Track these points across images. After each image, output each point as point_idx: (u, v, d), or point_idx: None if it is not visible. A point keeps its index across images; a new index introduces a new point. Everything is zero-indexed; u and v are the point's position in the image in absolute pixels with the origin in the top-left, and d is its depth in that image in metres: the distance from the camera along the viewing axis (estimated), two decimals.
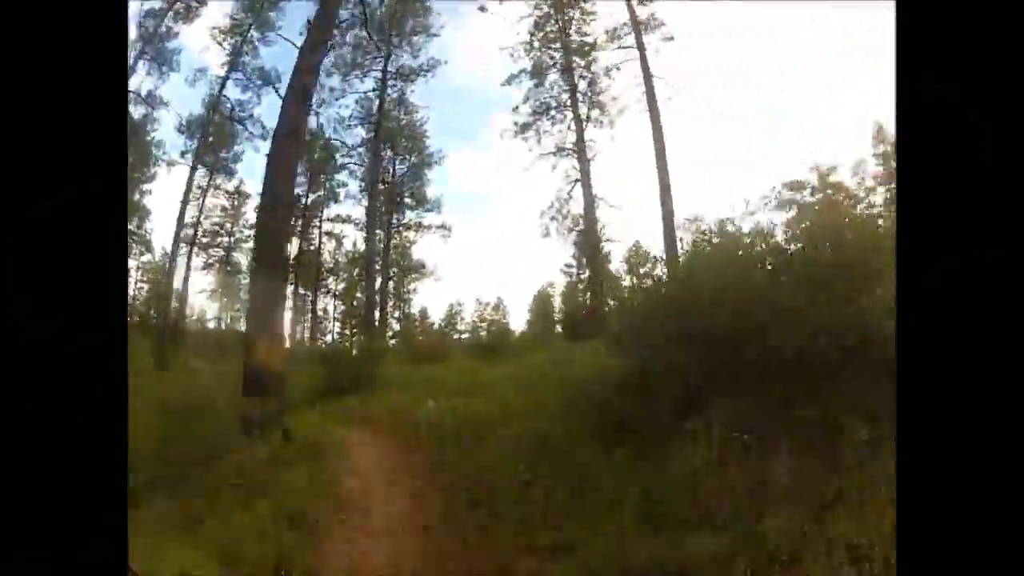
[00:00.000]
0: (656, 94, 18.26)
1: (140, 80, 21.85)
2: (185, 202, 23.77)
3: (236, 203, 27.80)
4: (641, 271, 20.19)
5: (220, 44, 23.17)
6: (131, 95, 21.35)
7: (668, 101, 18.30)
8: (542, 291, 32.38)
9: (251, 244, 25.84)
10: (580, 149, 21.65)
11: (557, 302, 32.27)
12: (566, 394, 6.73)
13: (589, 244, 21.32)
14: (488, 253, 46.00)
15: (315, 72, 9.02)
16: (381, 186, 24.91)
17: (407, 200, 26.27)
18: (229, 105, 24.02)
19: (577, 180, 21.75)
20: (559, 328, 29.61)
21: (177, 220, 23.85)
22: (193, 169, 23.91)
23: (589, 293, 29.43)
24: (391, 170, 25.88)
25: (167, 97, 22.70)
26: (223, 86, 23.47)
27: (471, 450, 6.16)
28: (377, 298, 23.88)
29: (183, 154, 23.76)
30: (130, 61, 20.62)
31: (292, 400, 9.43)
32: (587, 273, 29.58)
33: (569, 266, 30.05)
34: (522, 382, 9.11)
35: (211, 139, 24.12)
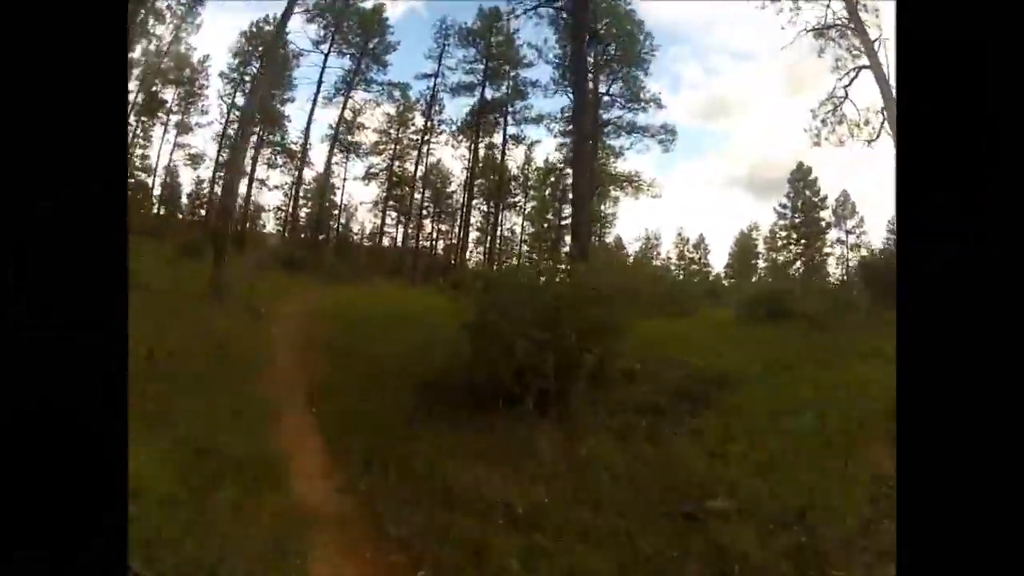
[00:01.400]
0: None
1: None
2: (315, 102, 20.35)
3: (401, 107, 23.09)
4: None
5: None
6: None
7: None
8: (743, 234, 29.58)
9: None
10: (858, 20, 13.86)
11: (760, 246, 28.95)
12: None
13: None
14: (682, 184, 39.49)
15: None
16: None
17: (616, 88, 19.34)
18: None
19: (862, 67, 14.15)
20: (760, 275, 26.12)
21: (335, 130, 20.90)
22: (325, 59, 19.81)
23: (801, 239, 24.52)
24: (592, 60, 18.96)
25: None
26: None
27: None
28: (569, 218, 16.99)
29: (316, 44, 20.06)
30: None
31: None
32: (801, 217, 25.30)
33: (783, 206, 26.83)
34: None
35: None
